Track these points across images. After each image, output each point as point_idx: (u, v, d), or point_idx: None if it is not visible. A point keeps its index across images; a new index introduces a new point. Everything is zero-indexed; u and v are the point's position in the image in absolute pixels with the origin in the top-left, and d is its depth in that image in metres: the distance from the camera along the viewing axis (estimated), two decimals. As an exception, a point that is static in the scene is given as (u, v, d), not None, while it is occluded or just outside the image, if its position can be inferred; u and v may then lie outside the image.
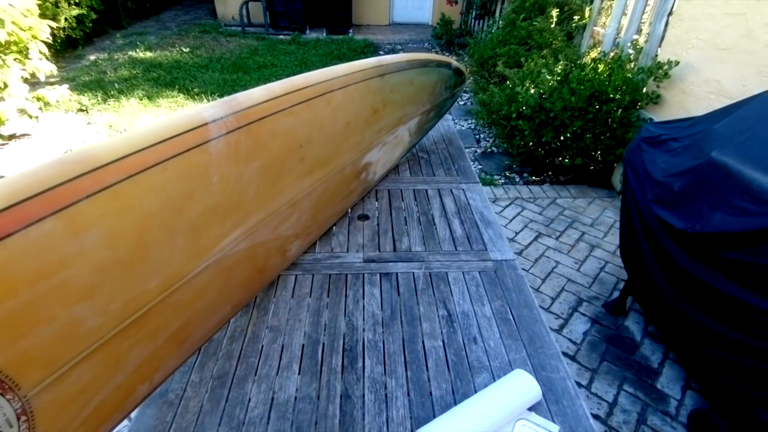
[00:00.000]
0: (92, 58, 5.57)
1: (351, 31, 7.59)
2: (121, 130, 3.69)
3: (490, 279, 1.28)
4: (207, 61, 5.56)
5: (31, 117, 3.11)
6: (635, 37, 3.06)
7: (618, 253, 2.61)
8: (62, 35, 5.51)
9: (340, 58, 6.07)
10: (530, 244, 2.67)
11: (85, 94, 4.32)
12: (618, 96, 2.82)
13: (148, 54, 5.72)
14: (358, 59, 5.18)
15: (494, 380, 0.97)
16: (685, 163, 1.67)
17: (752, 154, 1.44)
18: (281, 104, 0.94)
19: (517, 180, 3.43)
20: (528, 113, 2.99)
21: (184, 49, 5.99)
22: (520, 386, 0.91)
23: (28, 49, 3.18)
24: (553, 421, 0.89)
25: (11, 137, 3.57)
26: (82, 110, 4.10)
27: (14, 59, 2.98)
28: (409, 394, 0.95)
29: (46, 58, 3.34)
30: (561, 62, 3.05)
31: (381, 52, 6.69)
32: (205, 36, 6.82)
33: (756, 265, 1.32)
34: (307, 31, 7.46)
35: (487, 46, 4.23)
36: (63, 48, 5.66)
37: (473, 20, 6.49)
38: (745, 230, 1.34)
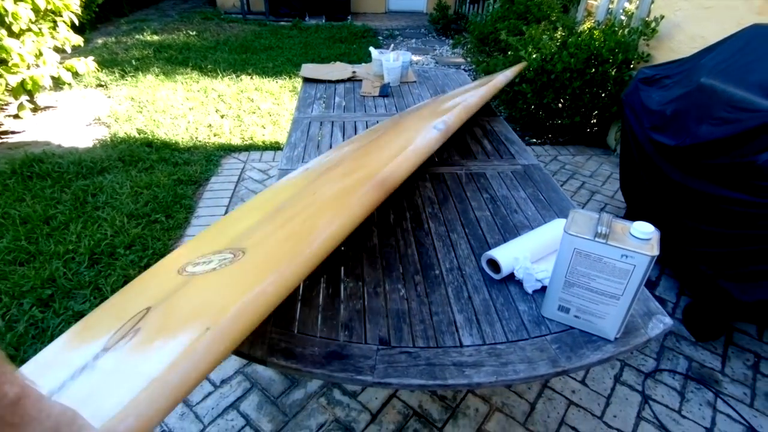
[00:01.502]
0: (100, 41, 5.70)
1: (350, 17, 7.80)
2: (142, 101, 3.86)
3: (521, 176, 1.53)
4: (214, 43, 5.73)
5: (64, 84, 3.26)
6: (626, 5, 3.34)
7: (617, 196, 2.89)
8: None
9: (341, 41, 6.28)
10: (537, 191, 2.93)
11: (102, 72, 4.47)
12: (611, 58, 3.10)
13: (156, 37, 5.86)
14: (358, 42, 5.54)
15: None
16: (676, 92, 1.94)
17: (733, 77, 1.71)
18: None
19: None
20: (531, 76, 3.25)
21: (190, 32, 6.14)
22: (557, 226, 1.16)
23: (56, 22, 3.34)
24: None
25: (36, 109, 3.72)
26: (100, 85, 4.25)
27: (48, 28, 3.14)
28: (469, 242, 1.19)
29: (73, 31, 3.50)
30: (560, 30, 3.31)
31: (380, 37, 6.92)
32: (207, 22, 6.96)
33: (735, 165, 1.59)
34: (307, 18, 7.65)
35: (486, 23, 4.49)
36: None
37: (468, 5, 6.75)
38: (725, 136, 1.61)
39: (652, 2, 3.02)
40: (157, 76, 4.45)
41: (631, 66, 3.19)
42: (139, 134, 3.32)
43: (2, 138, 3.23)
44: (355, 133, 1.81)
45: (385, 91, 2.22)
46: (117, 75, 4.44)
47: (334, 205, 0.88)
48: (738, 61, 1.76)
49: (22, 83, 3.00)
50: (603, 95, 3.22)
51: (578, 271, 0.87)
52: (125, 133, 3.32)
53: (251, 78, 4.57)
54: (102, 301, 1.88)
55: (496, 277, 1.06)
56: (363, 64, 2.67)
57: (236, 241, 0.92)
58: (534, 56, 3.23)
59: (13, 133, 3.32)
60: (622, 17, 3.28)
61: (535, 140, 3.70)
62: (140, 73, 4.49)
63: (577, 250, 0.85)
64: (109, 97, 4.04)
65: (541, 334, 0.92)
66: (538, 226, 1.26)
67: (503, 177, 1.52)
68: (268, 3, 7.47)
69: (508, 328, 0.94)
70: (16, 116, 3.43)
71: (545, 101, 3.31)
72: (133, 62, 4.78)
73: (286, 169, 1.52)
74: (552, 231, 1.14)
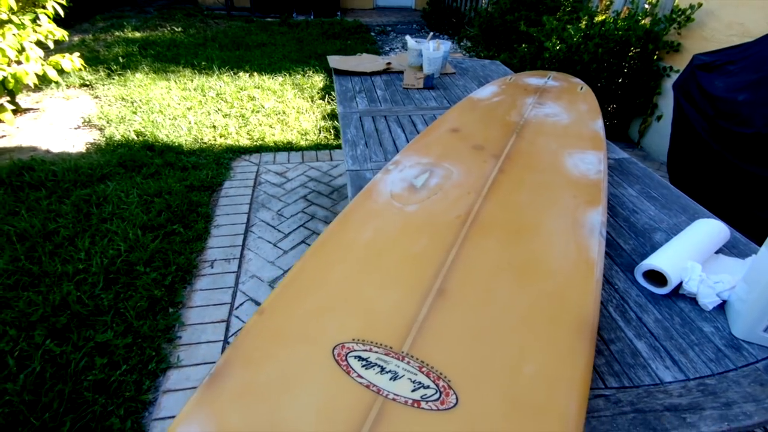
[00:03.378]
0: (77, 38, 5.28)
1: (339, 13, 7.56)
2: (135, 102, 3.54)
3: (619, 171, 1.37)
4: (202, 40, 5.40)
5: (51, 82, 2.93)
6: (649, -7, 3.26)
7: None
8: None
9: (335, 37, 6.05)
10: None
11: (86, 70, 4.11)
12: (639, 49, 3.00)
13: (138, 34, 5.48)
14: (352, 38, 5.31)
15: (669, 238, 1.06)
16: (747, 78, 1.83)
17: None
18: None
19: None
20: (556, 67, 3.13)
21: (175, 29, 5.79)
22: (711, 227, 1.00)
23: (37, 14, 3.00)
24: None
25: (17, 111, 3.36)
26: (85, 85, 3.90)
27: (29, 20, 2.80)
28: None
29: (55, 24, 3.16)
30: (584, 19, 3.20)
31: (372, 33, 6.72)
32: (191, 18, 6.60)
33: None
34: (295, 14, 7.37)
35: (494, 16, 4.36)
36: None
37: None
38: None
39: (683, -11, 2.94)
40: (147, 74, 4.13)
41: (656, 56, 3.10)
42: (138, 137, 3.03)
43: (-20, 144, 2.88)
44: (416, 130, 1.62)
45: (429, 83, 2.03)
46: (103, 74, 4.09)
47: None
48: (819, 44, 1.66)
49: (3, 82, 2.67)
50: (630, 85, 3.12)
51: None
52: (122, 135, 3.02)
53: (250, 75, 4.29)
54: (127, 328, 1.63)
55: (659, 291, 0.89)
56: (393, 54, 2.47)
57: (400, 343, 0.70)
58: (559, 47, 3.11)
59: (-9, 138, 2.97)
60: (646, 5, 3.19)
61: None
62: (128, 71, 4.15)
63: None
64: (96, 97, 3.71)
65: (748, 363, 0.76)
66: (666, 227, 1.10)
67: (600, 173, 1.36)
68: (254, -2, 7.15)
69: (705, 356, 0.77)
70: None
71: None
72: (120, 60, 4.42)
73: (355, 170, 1.32)
74: (704, 235, 0.98)
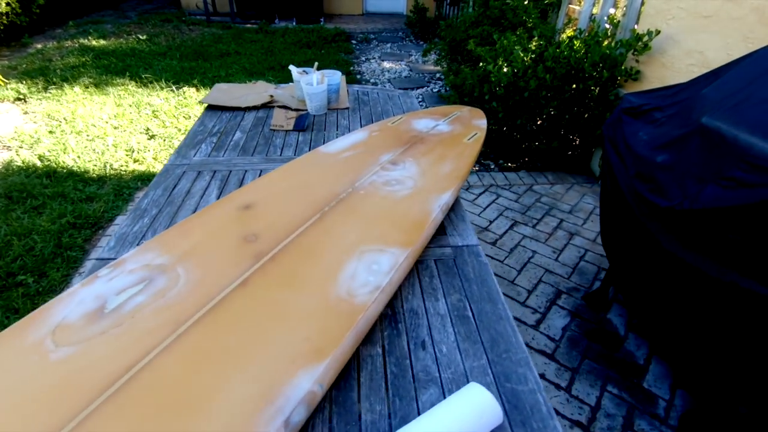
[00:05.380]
0: (39, 46, 5.16)
1: (322, 20, 7.30)
2: (60, 120, 3.34)
3: (448, 268, 1.05)
4: (165, 48, 5.21)
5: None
6: (612, 11, 2.89)
7: (599, 240, 2.43)
8: (4, 21, 5.09)
9: (309, 46, 5.79)
10: (505, 233, 2.47)
11: (24, 83, 3.95)
12: (596, 73, 2.64)
13: (102, 42, 5.33)
14: (327, 47, 4.94)
15: (444, 397, 0.75)
16: (670, 132, 1.47)
17: (749, 117, 1.24)
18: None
19: (492, 167, 3.23)
20: (501, 93, 2.79)
21: (141, 37, 5.62)
22: (476, 406, 0.69)
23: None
24: (518, 454, 0.67)
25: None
26: (19, 99, 3.73)
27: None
28: (330, 420, 0.72)
29: (8, 34, 2.98)
30: (535, 39, 2.85)
31: (353, 41, 6.44)
32: (166, 24, 6.44)
33: (759, 246, 1.13)
34: (277, 21, 7.15)
35: (459, 29, 4.02)
36: (6, 36, 5.23)
37: (447, 7, 6.28)
38: (741, 204, 1.15)
39: (641, 11, 2.57)
40: (87, 87, 3.94)
41: (617, 82, 2.73)
42: (41, 161, 2.82)
43: None
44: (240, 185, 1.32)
45: (301, 124, 1.74)
46: (40, 86, 3.92)
47: None
48: (755, 94, 1.30)
49: None
50: (585, 115, 2.76)
51: None
52: (23, 160, 2.81)
53: (197, 90, 4.07)
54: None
55: None
56: (288, 84, 2.18)
57: None
58: (505, 70, 2.77)
59: None
60: (607, 25, 2.82)
61: (509, 164, 3.24)
62: (67, 84, 3.97)
63: None
64: (26, 113, 3.53)
65: None
66: (450, 376, 0.79)
67: (421, 271, 1.04)
68: (235, 3, 6.96)
69: None
70: None
71: (519, 122, 2.84)
72: (65, 71, 4.26)
73: (108, 258, 1.04)
74: (468, 414, 0.67)
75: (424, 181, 1.26)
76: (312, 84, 1.83)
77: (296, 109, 1.90)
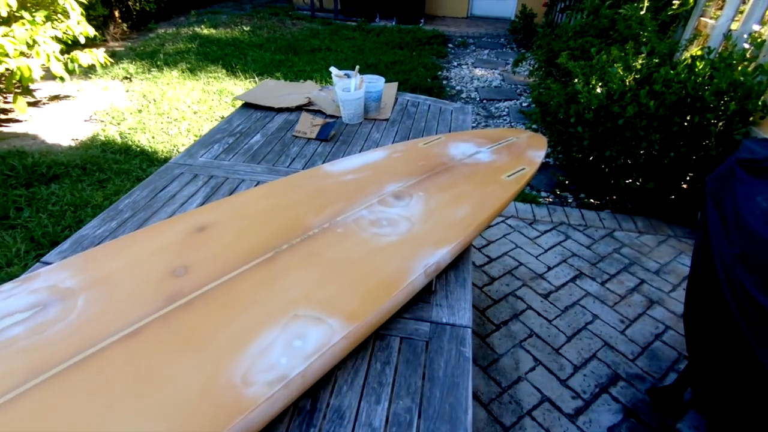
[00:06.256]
0: (161, 31, 5.71)
1: (422, 21, 7.12)
2: (150, 100, 3.60)
3: (413, 355, 0.79)
4: (264, 41, 5.44)
5: (55, 77, 3.07)
6: (756, 27, 2.26)
7: (687, 317, 1.91)
8: (137, 7, 5.71)
9: (401, 47, 5.65)
10: (564, 285, 2.06)
11: (135, 63, 4.35)
12: (720, 104, 2.08)
13: (211, 31, 5.74)
14: (420, 49, 4.68)
15: None
16: (807, 206, 1.01)
17: None
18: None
19: (570, 200, 2.77)
20: (590, 117, 2.34)
21: (245, 28, 5.94)
22: None
23: (66, 11, 3.16)
24: None
25: (55, 98, 3.64)
26: (126, 78, 4.12)
27: (44, 16, 2.95)
28: None
29: (86, 22, 3.31)
30: (643, 56, 2.35)
31: (449, 45, 6.16)
32: (272, 18, 6.76)
33: None
34: (377, 20, 7.13)
35: (561, 38, 3.55)
36: (138, 20, 5.88)
37: (557, 14, 5.69)
38: None
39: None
40: (183, 72, 4.21)
41: (751, 119, 2.14)
42: (121, 138, 3.03)
43: (-2, 127, 3.13)
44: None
45: (325, 133, 1.56)
46: (146, 67, 4.28)
47: None
48: None
49: (9, 74, 2.83)
50: (698, 155, 2.21)
51: None
52: (106, 135, 3.04)
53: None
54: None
55: None
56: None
57: None
58: (598, 91, 2.32)
59: (12, 121, 3.22)
60: (746, 45, 2.22)
61: (591, 200, 2.76)
62: (167, 67, 4.29)
63: None
64: (127, 91, 3.87)
65: None
66: None
67: (376, 350, 0.79)
68: (339, 1, 7.08)
69: None
70: (9, 110, 3.34)
71: (607, 154, 2.38)
72: (170, 55, 4.62)
73: (47, 262, 0.95)
74: None
75: (423, 226, 1.00)
76: (349, 89, 1.64)
77: (330, 115, 1.73)
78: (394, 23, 7.00)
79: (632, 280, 2.10)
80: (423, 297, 0.91)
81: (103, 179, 2.57)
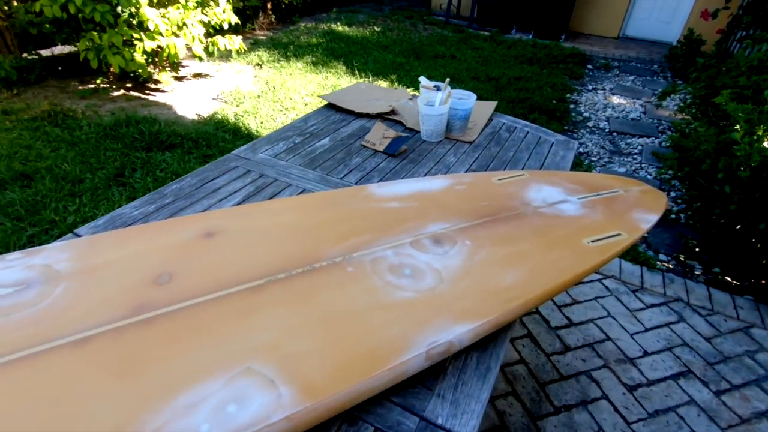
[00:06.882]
0: (302, 25, 6.12)
1: (563, 37, 6.54)
2: (271, 88, 3.84)
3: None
4: (390, 42, 5.48)
5: (195, 56, 3.42)
6: None
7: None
8: (285, 2, 6.20)
9: (531, 63, 5.24)
10: (660, 381, 1.62)
11: (270, 51, 4.70)
12: None
13: (345, 28, 5.97)
14: (553, 67, 4.28)
15: None
16: None
17: None
18: None
19: (697, 273, 2.22)
20: (745, 175, 1.83)
21: (376, 29, 6.07)
22: None
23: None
24: None
25: (198, 75, 4.09)
26: (258, 65, 4.46)
27: (196, 1, 3.30)
28: None
29: (231, 11, 3.64)
30: None
31: (588, 66, 5.55)
32: (406, 21, 6.81)
33: None
34: (513, 32, 6.75)
35: (728, 73, 2.90)
36: (285, 14, 6.39)
37: (733, 43, 4.73)
38: None
39: None
40: (307, 64, 4.42)
41: None
42: (235, 119, 3.25)
43: (145, 95, 3.60)
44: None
45: (394, 148, 1.41)
46: (277, 57, 4.59)
47: None
48: None
49: (161, 50, 3.23)
50: None
51: None
52: (223, 115, 3.29)
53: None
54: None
55: None
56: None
57: None
58: (765, 145, 1.80)
59: (158, 91, 3.68)
60: None
61: (727, 279, 2.18)
62: (294, 59, 4.54)
63: None
64: (255, 76, 4.18)
65: None
66: None
67: (336, 441, 0.62)
68: (476, 9, 6.85)
69: None
70: (159, 81, 3.77)
71: (762, 227, 1.84)
72: (301, 48, 4.89)
73: (78, 235, 0.97)
74: None
75: (454, 286, 0.79)
76: (433, 104, 1.47)
77: (409, 128, 1.57)
78: (530, 37, 6.55)
79: (765, 400, 1.58)
80: (426, 378, 0.72)
81: (208, 155, 2.77)
